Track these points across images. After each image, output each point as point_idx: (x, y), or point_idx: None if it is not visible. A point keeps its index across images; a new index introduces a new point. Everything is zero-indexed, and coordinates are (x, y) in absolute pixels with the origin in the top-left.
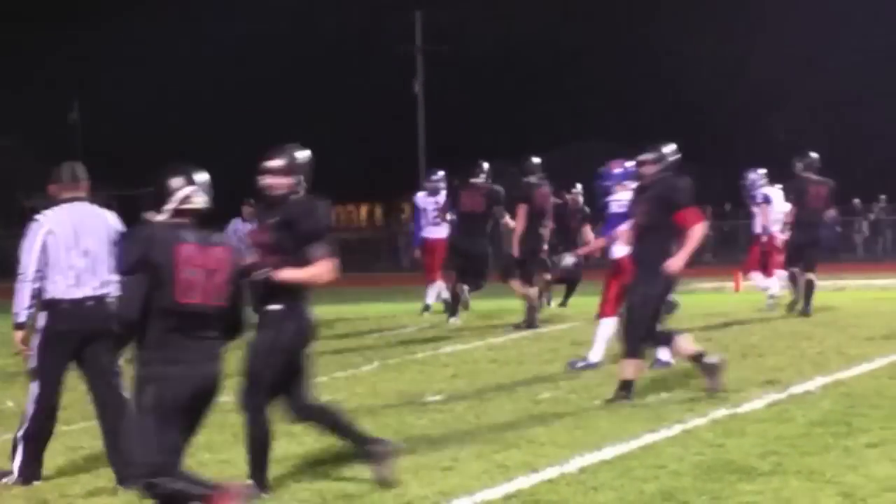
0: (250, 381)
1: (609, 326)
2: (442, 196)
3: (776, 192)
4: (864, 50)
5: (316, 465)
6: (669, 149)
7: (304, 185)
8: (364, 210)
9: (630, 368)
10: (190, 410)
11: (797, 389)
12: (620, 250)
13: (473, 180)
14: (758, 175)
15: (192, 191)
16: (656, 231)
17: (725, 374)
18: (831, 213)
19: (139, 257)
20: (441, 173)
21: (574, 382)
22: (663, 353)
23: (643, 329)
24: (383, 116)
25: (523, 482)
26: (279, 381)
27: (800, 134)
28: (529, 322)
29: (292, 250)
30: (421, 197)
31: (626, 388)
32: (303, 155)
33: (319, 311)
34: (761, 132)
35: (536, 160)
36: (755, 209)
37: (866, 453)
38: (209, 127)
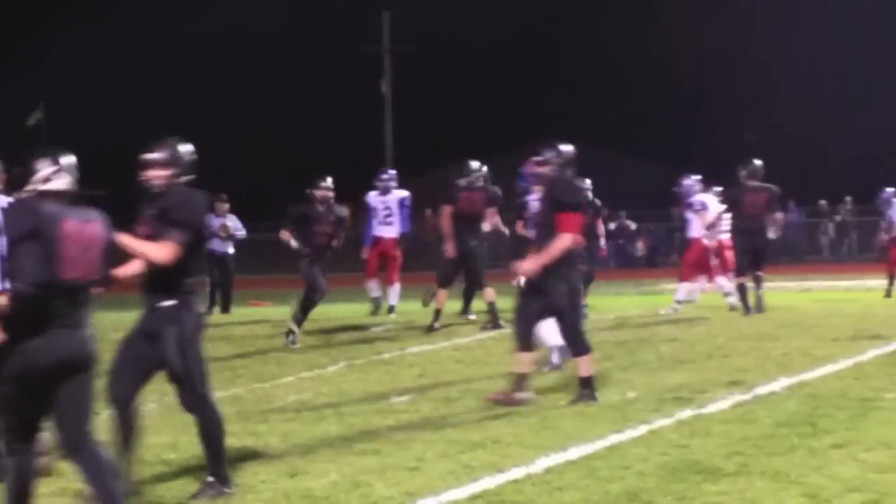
0: (184, 381)
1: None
2: (393, 195)
3: (711, 198)
4: (830, 53)
5: (280, 465)
6: (567, 148)
7: (184, 178)
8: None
9: (584, 366)
10: (58, 380)
11: (762, 390)
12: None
13: (460, 181)
14: (693, 181)
15: (52, 172)
16: (551, 230)
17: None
18: (777, 217)
19: (29, 228)
20: (392, 172)
21: (540, 383)
22: (555, 356)
23: (578, 324)
24: (351, 117)
25: (489, 482)
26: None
27: (768, 136)
28: (493, 322)
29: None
30: (372, 196)
31: (587, 384)
32: (182, 148)
33: (285, 312)
34: (731, 134)
35: (475, 164)
36: (690, 215)
37: (831, 454)
38: (175, 127)
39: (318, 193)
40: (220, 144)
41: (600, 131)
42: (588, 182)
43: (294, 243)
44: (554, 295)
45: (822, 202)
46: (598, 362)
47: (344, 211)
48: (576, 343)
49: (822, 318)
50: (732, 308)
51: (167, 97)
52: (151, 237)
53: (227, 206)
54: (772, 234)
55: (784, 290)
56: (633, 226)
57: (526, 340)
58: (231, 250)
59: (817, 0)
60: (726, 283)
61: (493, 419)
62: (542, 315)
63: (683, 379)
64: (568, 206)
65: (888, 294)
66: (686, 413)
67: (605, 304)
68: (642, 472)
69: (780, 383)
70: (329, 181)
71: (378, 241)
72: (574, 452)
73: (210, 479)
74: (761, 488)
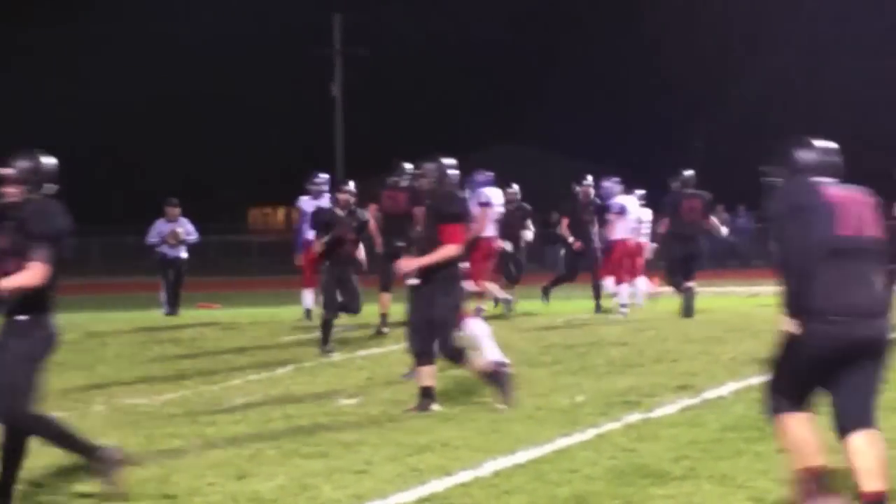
0: (7, 391)
1: (478, 327)
2: (325, 199)
3: (631, 201)
4: (783, 59)
5: (228, 468)
6: (447, 161)
7: (43, 190)
8: (281, 213)
9: (474, 365)
10: None
11: (710, 394)
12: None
13: (396, 180)
14: (612, 183)
15: None
16: (435, 242)
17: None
18: (714, 221)
19: None
20: (325, 176)
21: (489, 387)
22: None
23: (452, 335)
24: (301, 119)
25: (437, 486)
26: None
27: (718, 144)
28: (378, 328)
29: (27, 253)
30: (305, 201)
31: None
32: (39, 161)
33: (234, 314)
34: (680, 142)
35: (408, 165)
36: (610, 217)
37: (777, 458)
38: (123, 130)
39: (341, 197)
40: (169, 147)
41: (553, 135)
42: (590, 178)
43: (317, 247)
44: (437, 307)
45: None
46: (548, 366)
47: (366, 215)
48: (451, 353)
49: (770, 322)
50: (623, 311)
51: (116, 99)
52: (8, 250)
53: (178, 210)
54: (725, 234)
55: (732, 295)
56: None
57: (423, 354)
58: (184, 254)
59: (771, 10)
60: (612, 284)
61: (442, 422)
62: (430, 327)
63: (632, 383)
64: (451, 218)
65: None
66: (634, 417)
67: (555, 307)
68: (590, 475)
69: (728, 387)
70: (351, 185)
71: (309, 245)
72: (522, 456)
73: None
74: (708, 492)
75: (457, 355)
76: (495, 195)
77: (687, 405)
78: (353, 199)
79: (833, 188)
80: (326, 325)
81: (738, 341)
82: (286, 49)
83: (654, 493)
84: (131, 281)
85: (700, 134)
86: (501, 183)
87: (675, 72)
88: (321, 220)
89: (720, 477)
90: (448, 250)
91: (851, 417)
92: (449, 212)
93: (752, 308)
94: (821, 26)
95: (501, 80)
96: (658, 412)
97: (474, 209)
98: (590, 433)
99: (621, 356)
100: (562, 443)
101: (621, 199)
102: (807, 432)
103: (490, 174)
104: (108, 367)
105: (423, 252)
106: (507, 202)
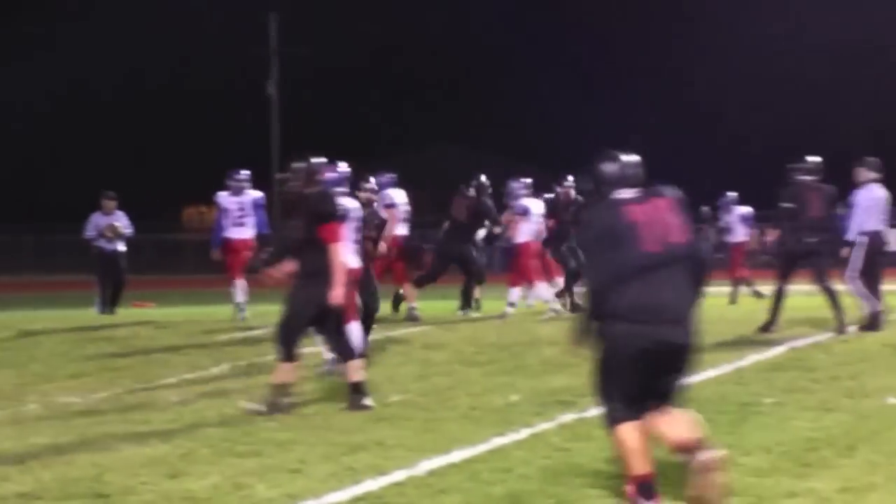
0: None
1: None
2: (247, 196)
3: (536, 203)
4: (724, 63)
5: (161, 466)
6: (317, 160)
7: None
8: (214, 212)
9: (283, 374)
10: None
11: None
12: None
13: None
14: (520, 184)
15: None
16: (312, 243)
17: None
18: None
19: None
20: (246, 173)
21: (424, 385)
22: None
23: (298, 334)
24: (238, 118)
25: (371, 485)
26: None
27: (653, 147)
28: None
29: None
30: (224, 196)
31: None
32: None
33: (168, 313)
34: (616, 147)
35: (342, 165)
36: (514, 218)
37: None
38: (60, 127)
39: (362, 196)
40: (104, 145)
41: (489, 135)
42: (571, 179)
43: None
44: (292, 301)
45: (705, 208)
46: (482, 365)
47: (383, 213)
48: (285, 349)
49: (705, 322)
50: (557, 313)
51: (49, 96)
52: None
53: (114, 202)
54: None
55: None
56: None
57: (285, 352)
58: (122, 248)
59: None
60: (546, 289)
61: (376, 421)
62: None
63: (566, 383)
64: (327, 217)
65: (732, 300)
66: (568, 417)
67: (491, 306)
68: (524, 475)
69: None
70: (373, 182)
71: (228, 242)
72: (456, 455)
73: None
74: None
75: (345, 351)
76: (399, 195)
77: None
78: (375, 198)
79: (636, 205)
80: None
81: None
82: (223, 48)
83: (588, 492)
84: (65, 279)
85: (635, 134)
86: (464, 185)
87: (608, 74)
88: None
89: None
90: (336, 251)
91: (657, 413)
92: (325, 211)
93: None
94: (767, 29)
95: (438, 80)
96: (592, 412)
97: (382, 211)
98: (524, 433)
99: (556, 356)
100: (496, 442)
101: (526, 202)
102: (637, 440)
103: (392, 175)
104: (41, 366)
105: (300, 253)
106: (467, 204)
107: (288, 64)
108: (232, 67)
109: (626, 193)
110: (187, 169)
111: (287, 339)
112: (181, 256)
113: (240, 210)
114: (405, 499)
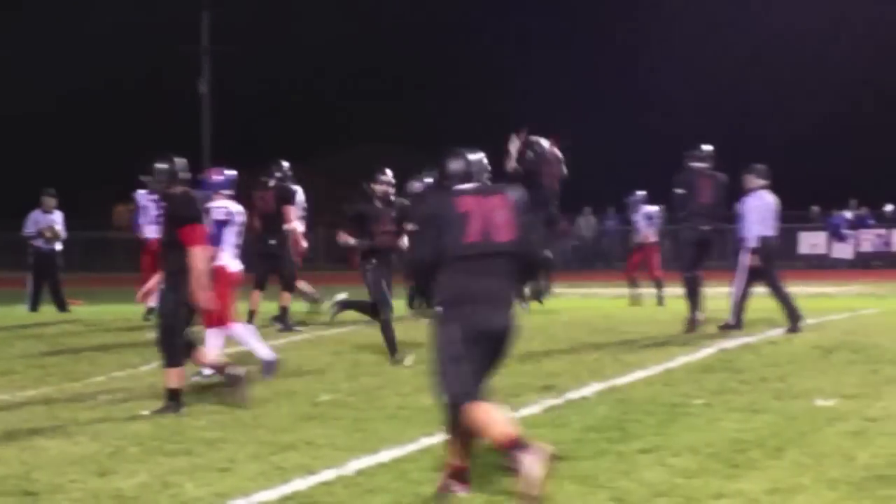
0: None
1: (240, 329)
2: None
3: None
4: (679, 65)
5: (90, 464)
6: (179, 161)
7: None
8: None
9: (174, 377)
10: None
11: (574, 395)
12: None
13: (266, 180)
14: (423, 184)
15: None
16: (173, 245)
17: (249, 387)
18: (564, 226)
19: None
20: None
21: (353, 385)
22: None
23: (175, 335)
24: (169, 116)
25: (300, 484)
26: None
27: (589, 145)
28: (285, 325)
29: None
30: (142, 195)
31: (174, 397)
32: None
33: (98, 311)
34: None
35: (285, 164)
36: None
37: (639, 459)
38: None
39: (378, 189)
40: (33, 143)
41: (419, 132)
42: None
43: (352, 241)
44: (162, 303)
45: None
46: (415, 365)
47: (405, 203)
48: (169, 353)
49: (634, 324)
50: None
51: None
52: None
53: (54, 200)
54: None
55: (598, 297)
56: None
57: (169, 357)
58: (59, 247)
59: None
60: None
61: (306, 421)
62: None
63: (496, 383)
64: (188, 220)
65: (634, 301)
66: None
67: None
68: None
69: (592, 388)
70: (389, 174)
71: (146, 241)
72: (385, 455)
73: None
74: (570, 492)
75: (171, 355)
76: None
77: (550, 405)
78: (392, 191)
79: (470, 197)
80: (388, 328)
81: (602, 343)
82: (153, 45)
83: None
84: None
85: (567, 136)
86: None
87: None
88: (354, 213)
89: (582, 477)
90: (198, 254)
91: (475, 394)
92: (185, 214)
93: (616, 310)
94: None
95: (372, 78)
96: (522, 412)
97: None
98: None
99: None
100: (425, 442)
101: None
102: (489, 409)
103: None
104: None
105: (164, 254)
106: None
107: (219, 62)
108: (162, 66)
109: (465, 186)
110: (117, 167)
111: (167, 344)
112: (110, 254)
113: (158, 208)
114: (334, 498)
